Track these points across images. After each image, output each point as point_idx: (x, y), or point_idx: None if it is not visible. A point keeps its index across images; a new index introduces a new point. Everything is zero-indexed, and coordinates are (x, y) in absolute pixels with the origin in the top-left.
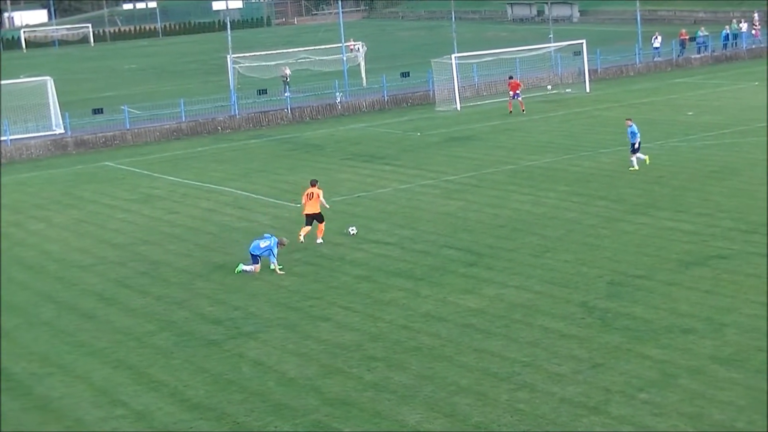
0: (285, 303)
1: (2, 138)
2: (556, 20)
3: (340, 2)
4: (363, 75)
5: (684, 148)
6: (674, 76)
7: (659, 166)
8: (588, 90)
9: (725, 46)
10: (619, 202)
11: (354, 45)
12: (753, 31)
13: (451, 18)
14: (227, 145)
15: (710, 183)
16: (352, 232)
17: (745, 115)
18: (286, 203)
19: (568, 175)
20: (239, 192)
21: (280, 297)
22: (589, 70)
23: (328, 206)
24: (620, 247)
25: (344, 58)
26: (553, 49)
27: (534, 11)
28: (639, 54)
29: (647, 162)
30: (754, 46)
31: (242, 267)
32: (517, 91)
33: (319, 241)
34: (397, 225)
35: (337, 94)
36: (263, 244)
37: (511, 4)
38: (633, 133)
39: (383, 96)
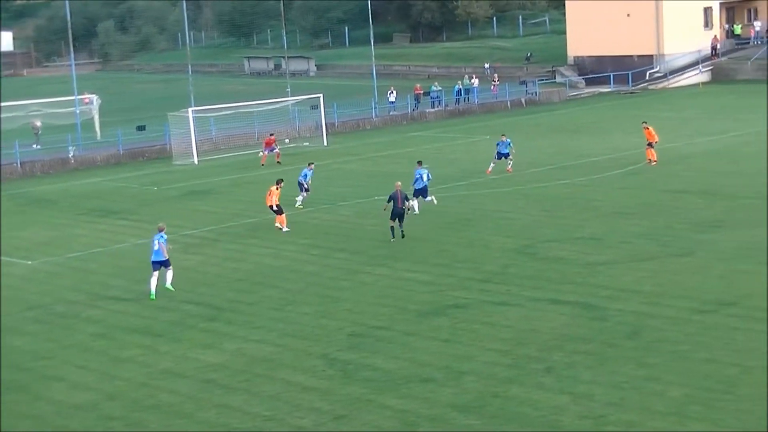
0: (15, 364)
1: None
2: (293, 74)
3: (72, 54)
4: (97, 128)
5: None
6: (411, 129)
7: None
8: (326, 143)
9: (458, 100)
10: (358, 253)
11: (88, 98)
12: (492, 87)
13: (188, 71)
14: None
15: (446, 234)
16: (299, 201)
17: (478, 167)
18: (17, 260)
19: (307, 227)
20: None
21: (11, 358)
22: (326, 124)
23: (274, 205)
24: (360, 298)
25: (77, 111)
26: (290, 102)
27: (271, 65)
28: (375, 108)
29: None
30: (493, 101)
31: (151, 289)
32: (273, 146)
33: (284, 229)
34: (135, 281)
35: (70, 148)
36: (156, 246)
37: (249, 58)
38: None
39: (119, 150)
